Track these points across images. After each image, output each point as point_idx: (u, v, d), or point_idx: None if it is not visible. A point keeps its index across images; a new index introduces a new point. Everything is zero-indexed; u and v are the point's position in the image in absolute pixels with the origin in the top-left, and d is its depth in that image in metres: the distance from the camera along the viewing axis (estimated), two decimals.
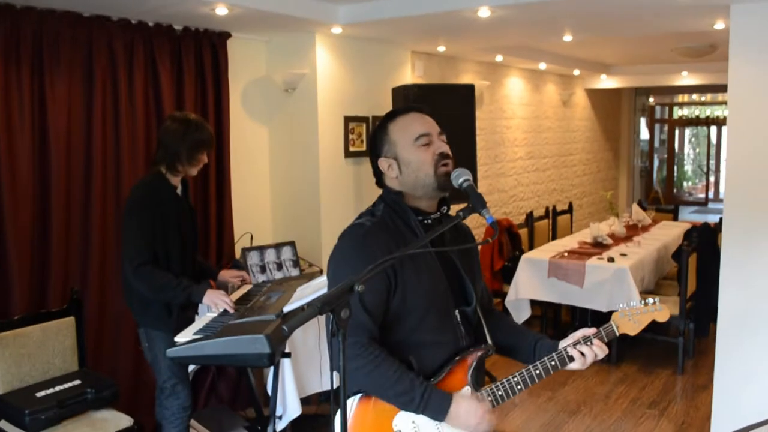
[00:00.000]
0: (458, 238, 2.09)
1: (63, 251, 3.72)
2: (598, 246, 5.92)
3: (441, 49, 5.89)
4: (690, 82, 9.00)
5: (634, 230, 6.73)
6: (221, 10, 3.77)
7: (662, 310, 2.07)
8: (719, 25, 4.56)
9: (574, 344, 1.99)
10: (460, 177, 1.92)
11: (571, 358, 1.99)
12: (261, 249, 4.06)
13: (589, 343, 1.99)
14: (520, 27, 4.93)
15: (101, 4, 3.61)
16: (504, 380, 1.96)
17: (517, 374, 1.97)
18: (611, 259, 5.35)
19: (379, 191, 2.09)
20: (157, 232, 3.20)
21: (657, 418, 4.50)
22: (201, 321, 3.19)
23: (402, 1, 4.20)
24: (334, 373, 1.70)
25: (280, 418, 3.62)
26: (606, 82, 9.41)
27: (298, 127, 4.89)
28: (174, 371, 3.33)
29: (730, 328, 3.81)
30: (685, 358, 5.32)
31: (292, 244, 4.17)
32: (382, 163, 2.01)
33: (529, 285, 5.53)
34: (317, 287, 3.29)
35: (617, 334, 2.04)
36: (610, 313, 5.02)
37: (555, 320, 6.22)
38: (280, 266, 4.05)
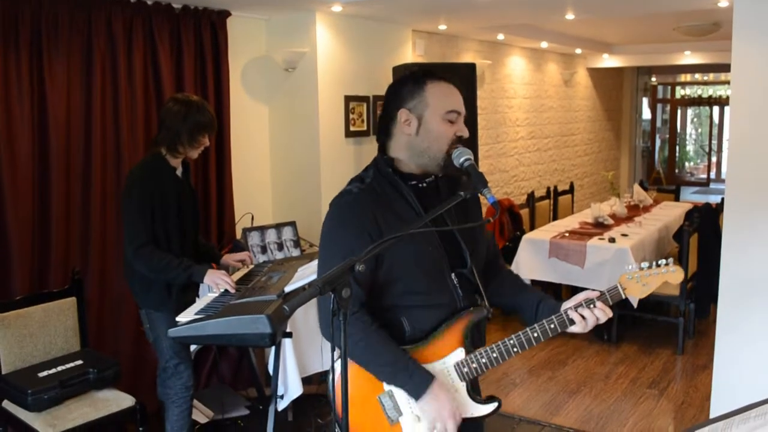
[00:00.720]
0: (459, 204, 1.97)
1: (63, 232, 3.72)
2: (599, 226, 5.92)
3: (442, 27, 5.84)
4: (693, 61, 8.94)
5: (635, 210, 6.72)
6: None
7: (675, 272, 1.96)
8: (723, 2, 4.51)
9: (576, 307, 1.95)
10: (461, 156, 1.90)
11: (572, 321, 1.94)
12: (262, 229, 4.06)
13: (591, 306, 1.94)
14: (521, 5, 4.88)
15: None
16: (500, 342, 1.94)
17: (513, 336, 1.94)
18: (612, 240, 5.35)
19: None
20: (156, 214, 3.19)
21: (657, 397, 4.52)
22: (202, 301, 3.19)
23: None
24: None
25: (282, 397, 3.63)
26: (608, 61, 9.36)
27: (299, 106, 4.87)
28: (176, 351, 3.34)
29: (731, 309, 3.81)
30: (685, 339, 5.34)
31: (292, 224, 4.16)
32: (402, 114, 1.96)
33: (530, 265, 5.53)
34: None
35: (623, 296, 1.95)
36: None
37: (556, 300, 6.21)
38: (281, 246, 4.04)
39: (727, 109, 9.55)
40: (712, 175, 15.11)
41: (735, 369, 3.81)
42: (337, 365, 1.92)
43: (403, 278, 1.92)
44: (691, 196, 12.85)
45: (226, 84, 4.46)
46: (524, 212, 6.61)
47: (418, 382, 1.87)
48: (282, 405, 3.68)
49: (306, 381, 3.71)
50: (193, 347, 3.74)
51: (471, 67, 5.39)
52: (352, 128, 5.06)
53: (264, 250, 3.98)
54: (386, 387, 1.93)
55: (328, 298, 1.62)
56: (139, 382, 4.05)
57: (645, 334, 5.66)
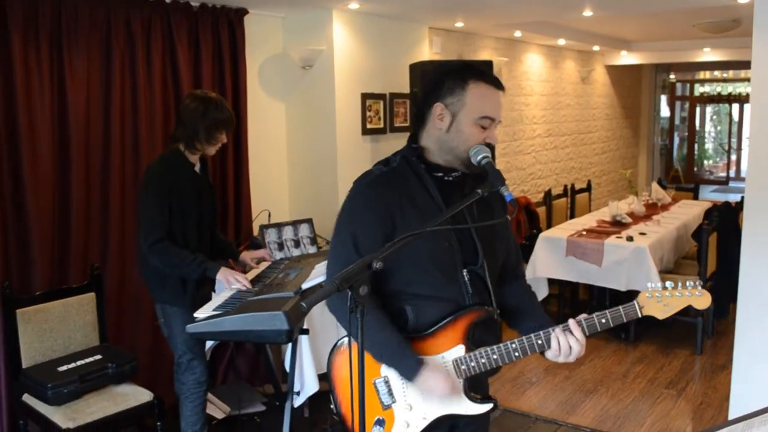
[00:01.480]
0: (483, 201, 1.96)
1: (83, 228, 3.75)
2: (617, 225, 5.88)
3: (459, 25, 5.83)
4: (712, 58, 8.86)
5: (653, 209, 6.67)
6: None
7: (702, 296, 1.84)
8: None
9: (564, 329, 1.92)
10: (479, 154, 1.90)
11: (542, 347, 1.92)
12: (279, 226, 4.07)
13: (567, 332, 1.90)
14: (539, 2, 4.86)
15: None
16: (501, 345, 1.93)
17: (516, 341, 1.93)
18: (630, 238, 5.31)
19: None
20: (174, 209, 3.21)
21: (675, 398, 4.49)
22: (220, 297, 3.21)
23: None
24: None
25: (298, 394, 3.65)
26: (626, 58, 9.28)
27: (316, 104, 4.87)
28: (190, 346, 3.36)
29: (750, 309, 3.77)
30: (704, 338, 5.29)
31: (309, 221, 4.17)
32: (437, 108, 1.95)
33: (547, 263, 5.50)
34: None
35: (640, 315, 1.88)
36: (628, 293, 5.04)
37: (572, 299, 6.20)
38: (297, 243, 4.05)
39: (746, 106, 9.45)
40: (732, 173, 14.98)
41: (755, 369, 3.77)
42: (346, 341, 1.98)
43: (413, 268, 1.93)
44: (710, 195, 12.74)
45: (243, 81, 4.47)
46: (541, 210, 6.58)
47: (409, 365, 1.89)
48: (298, 401, 3.69)
49: (322, 377, 3.71)
50: (209, 343, 3.76)
51: (488, 65, 5.37)
52: (368, 126, 5.06)
53: (281, 247, 3.99)
54: (382, 372, 1.95)
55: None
56: (156, 377, 4.08)
57: (663, 333, 5.62)
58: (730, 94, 13.99)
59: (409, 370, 1.89)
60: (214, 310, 3.03)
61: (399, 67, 5.26)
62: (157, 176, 3.21)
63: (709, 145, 15.73)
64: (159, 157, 3.36)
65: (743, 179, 3.98)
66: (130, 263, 3.94)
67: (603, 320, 1.90)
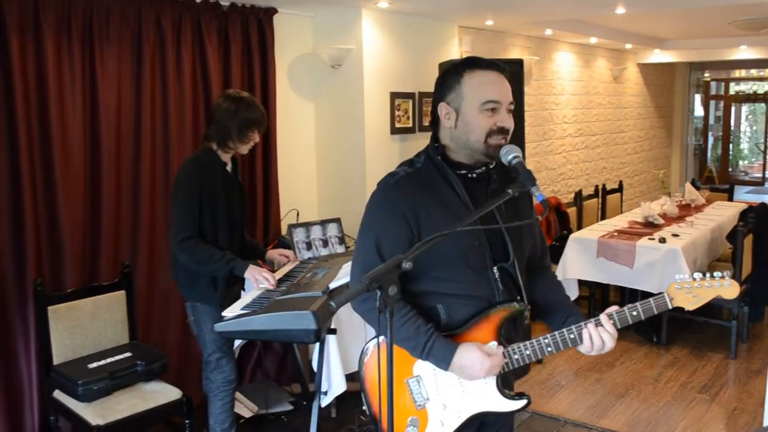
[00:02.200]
0: (510, 198, 1.95)
1: (113, 226, 3.78)
2: (649, 226, 5.79)
3: (489, 23, 5.78)
4: (748, 56, 8.69)
5: (686, 210, 6.55)
6: None
7: (730, 286, 1.87)
8: None
9: (596, 323, 1.92)
10: (509, 154, 1.88)
11: (575, 341, 1.93)
12: (307, 226, 4.07)
13: (598, 326, 1.91)
14: (570, 0, 4.79)
15: None
16: (534, 340, 1.94)
17: (548, 336, 1.94)
18: (663, 240, 5.22)
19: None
20: (204, 208, 3.23)
21: (708, 402, 4.40)
22: (248, 296, 3.21)
23: None
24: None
25: (325, 393, 3.64)
26: (659, 56, 9.14)
27: (344, 103, 4.87)
28: (219, 345, 3.37)
29: None
30: (738, 342, 5.18)
31: (337, 220, 4.17)
32: (442, 108, 1.97)
33: (577, 265, 5.43)
34: None
35: (670, 306, 1.89)
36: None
37: (603, 301, 6.11)
38: (325, 243, 4.05)
39: None
40: None
41: None
42: (372, 345, 2.00)
43: (444, 267, 1.92)
44: (745, 196, 12.49)
45: (272, 81, 4.48)
46: (571, 211, 6.50)
47: (444, 349, 1.88)
48: (326, 401, 3.69)
49: (350, 378, 3.71)
50: (237, 342, 3.77)
51: (518, 63, 5.31)
52: (397, 125, 5.04)
53: (309, 246, 3.99)
54: (415, 372, 1.95)
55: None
56: (185, 375, 4.11)
57: (696, 337, 5.52)
58: (766, 93, 13.73)
59: (443, 359, 1.89)
60: (242, 309, 3.03)
61: (428, 66, 5.23)
62: (189, 174, 3.23)
63: (744, 145, 15.44)
64: (192, 156, 3.38)
65: None
66: (160, 261, 3.97)
67: (634, 312, 1.90)
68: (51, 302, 3.37)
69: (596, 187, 7.33)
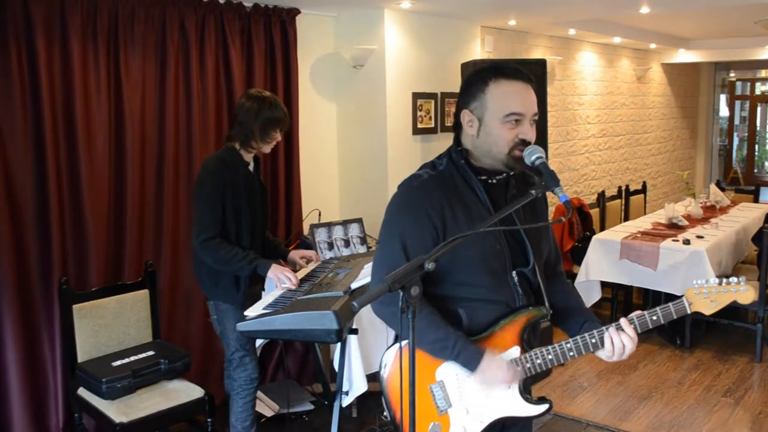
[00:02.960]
0: (528, 203, 1.95)
1: (137, 226, 3.82)
2: (673, 227, 5.73)
3: (512, 23, 5.75)
4: None
5: (711, 212, 6.48)
6: None
7: (746, 291, 1.89)
8: None
9: (617, 328, 1.92)
10: (533, 154, 1.87)
11: (596, 346, 1.93)
12: (329, 226, 4.08)
13: (619, 330, 1.90)
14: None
15: None
16: (556, 345, 1.94)
17: (570, 340, 1.94)
18: (687, 241, 5.16)
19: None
20: (227, 207, 3.25)
21: (732, 406, 4.34)
22: (270, 296, 3.23)
23: None
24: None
25: (347, 393, 3.65)
26: (684, 56, 9.04)
27: (366, 103, 4.87)
28: (241, 343, 3.39)
29: None
30: (763, 345, 5.11)
31: (359, 221, 4.17)
32: (465, 115, 1.96)
33: (600, 266, 5.39)
34: None
35: (688, 311, 1.90)
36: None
37: (626, 303, 6.06)
38: (347, 243, 4.05)
39: None
40: None
41: None
42: (393, 350, 1.99)
43: (464, 271, 1.92)
44: None
45: (295, 81, 4.50)
46: (594, 212, 6.45)
47: (470, 356, 1.89)
48: (347, 401, 3.70)
49: (371, 378, 3.71)
50: (259, 341, 3.79)
51: (541, 64, 5.28)
52: (419, 125, 5.03)
53: (331, 246, 4.00)
54: (438, 377, 1.95)
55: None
56: (208, 374, 4.13)
57: (720, 339, 5.45)
58: None
59: (472, 359, 1.89)
60: (264, 308, 3.04)
61: (451, 67, 5.22)
62: (211, 174, 3.24)
63: None
64: (215, 154, 3.40)
65: None
66: (183, 260, 4.00)
67: (654, 317, 1.90)
68: (76, 301, 3.41)
69: (619, 188, 7.26)
